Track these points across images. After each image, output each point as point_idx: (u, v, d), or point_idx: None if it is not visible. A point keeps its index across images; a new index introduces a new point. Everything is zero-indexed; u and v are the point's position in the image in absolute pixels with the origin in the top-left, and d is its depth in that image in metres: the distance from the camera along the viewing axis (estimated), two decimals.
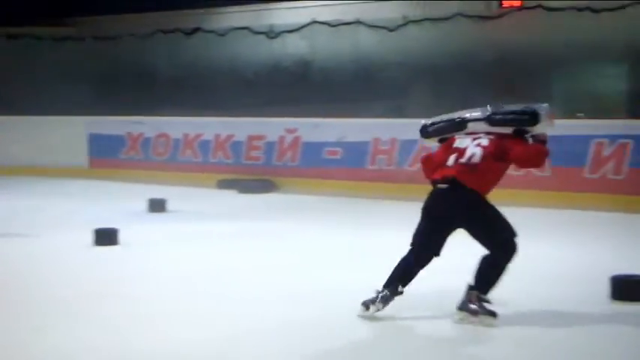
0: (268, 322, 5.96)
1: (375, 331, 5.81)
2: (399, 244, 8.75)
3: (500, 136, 6.11)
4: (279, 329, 5.81)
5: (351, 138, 12.61)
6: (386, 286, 5.93)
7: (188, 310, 6.28)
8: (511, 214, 10.19)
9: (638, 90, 11.85)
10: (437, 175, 6.05)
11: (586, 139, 10.76)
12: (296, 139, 13.20)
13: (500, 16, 12.89)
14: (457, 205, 5.92)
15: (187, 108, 14.74)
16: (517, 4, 12.84)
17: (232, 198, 12.70)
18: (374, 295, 5.91)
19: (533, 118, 6.15)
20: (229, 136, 13.84)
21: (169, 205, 11.28)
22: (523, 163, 6.29)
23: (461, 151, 6.03)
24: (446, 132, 6.28)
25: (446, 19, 13.27)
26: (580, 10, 12.12)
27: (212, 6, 15.44)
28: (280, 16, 14.87)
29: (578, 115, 12.04)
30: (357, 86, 13.87)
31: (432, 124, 6.38)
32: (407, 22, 13.65)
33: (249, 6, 15.16)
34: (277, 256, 8.29)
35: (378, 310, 5.87)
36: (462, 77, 13.01)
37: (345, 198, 11.99)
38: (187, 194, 12.73)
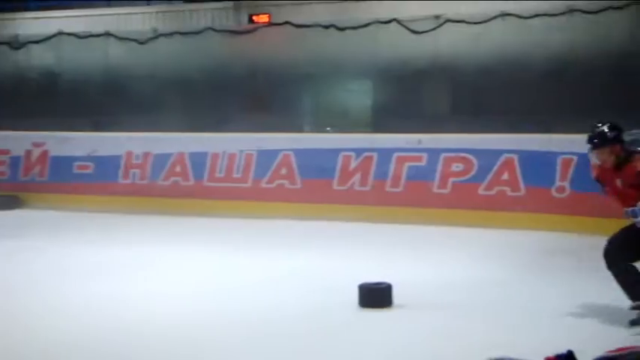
0: (26, 337, 5.79)
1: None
2: (152, 257, 8.79)
3: None
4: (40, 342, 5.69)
5: (103, 152, 12.36)
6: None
7: None
8: (264, 225, 10.58)
9: (380, 105, 12.41)
10: None
11: (334, 153, 11.15)
12: (44, 154, 12.76)
13: (250, 31, 13.06)
14: None
15: None
16: (265, 20, 13.03)
17: None
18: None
19: None
20: None
21: None
22: None
23: None
24: None
25: (197, 33, 13.28)
26: (326, 27, 12.51)
27: None
28: (25, 27, 14.33)
29: (327, 129, 12.47)
30: (108, 99, 13.60)
31: None
32: (157, 36, 13.55)
33: None
34: (25, 274, 8.04)
35: None
36: (214, 91, 13.09)
37: (98, 213, 11.72)
38: None
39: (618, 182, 6.24)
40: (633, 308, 6.18)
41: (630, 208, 6.17)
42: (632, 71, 10.83)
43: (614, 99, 10.63)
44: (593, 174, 6.53)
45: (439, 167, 10.62)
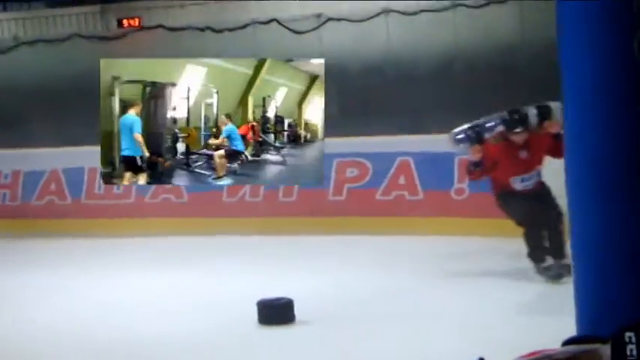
0: None
1: None
2: (30, 284, 8.28)
3: None
4: None
5: None
6: None
7: None
8: (151, 243, 10.09)
9: None
10: None
11: None
12: None
13: (120, 36, 12.58)
14: None
15: None
16: (135, 24, 12.71)
17: None
18: None
19: None
20: None
21: None
22: None
23: None
24: None
25: (62, 40, 12.69)
26: (201, 29, 12.14)
27: None
28: None
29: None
30: None
31: None
32: (19, 44, 12.89)
33: None
34: None
35: None
36: (82, 100, 12.47)
37: None
38: None
39: (523, 154, 7.40)
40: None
41: (527, 174, 7.32)
42: (515, 65, 10.83)
43: (500, 94, 10.62)
44: (479, 156, 7.48)
45: (332, 173, 10.32)
